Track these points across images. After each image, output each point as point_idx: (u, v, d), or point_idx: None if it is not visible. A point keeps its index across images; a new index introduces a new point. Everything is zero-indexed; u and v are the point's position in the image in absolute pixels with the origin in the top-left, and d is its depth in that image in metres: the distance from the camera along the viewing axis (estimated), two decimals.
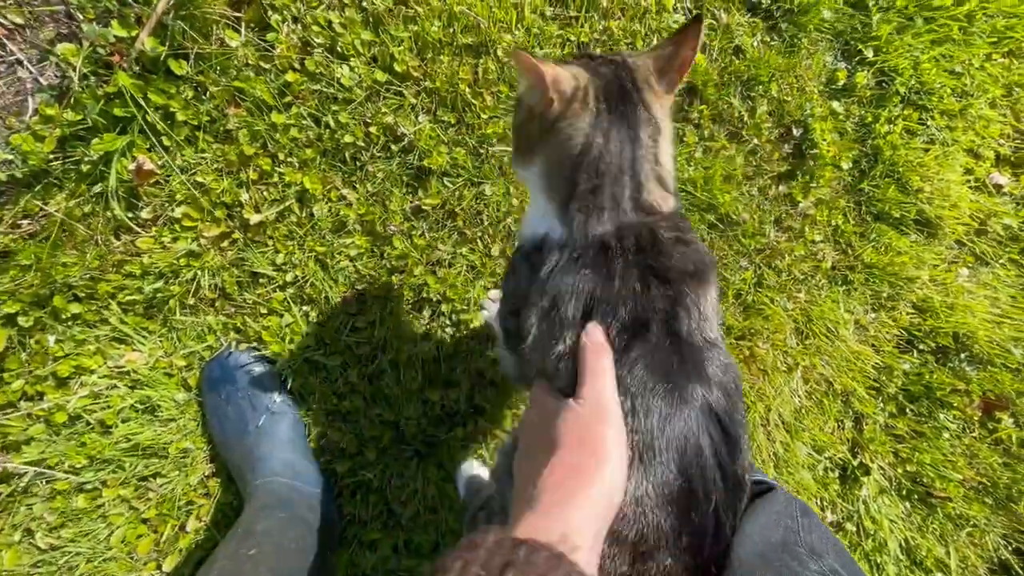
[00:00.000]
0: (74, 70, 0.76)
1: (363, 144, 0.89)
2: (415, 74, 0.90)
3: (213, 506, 0.88)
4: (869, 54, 1.10)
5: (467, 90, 0.91)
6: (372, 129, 0.89)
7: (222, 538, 0.75)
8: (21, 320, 0.79)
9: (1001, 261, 1.22)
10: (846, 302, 1.12)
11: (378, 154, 0.90)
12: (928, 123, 1.15)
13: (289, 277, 0.89)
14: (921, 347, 1.15)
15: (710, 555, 0.45)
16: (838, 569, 0.41)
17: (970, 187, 1.19)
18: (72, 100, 0.78)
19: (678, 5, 1.01)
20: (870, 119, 1.11)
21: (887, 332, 1.14)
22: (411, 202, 0.92)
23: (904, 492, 1.10)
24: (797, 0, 1.04)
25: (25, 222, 0.80)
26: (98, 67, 0.79)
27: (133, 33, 0.79)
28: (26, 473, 0.81)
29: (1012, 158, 1.24)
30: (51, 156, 0.78)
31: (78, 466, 0.82)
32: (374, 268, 0.92)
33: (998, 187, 1.22)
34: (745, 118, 1.04)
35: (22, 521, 0.81)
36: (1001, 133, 1.22)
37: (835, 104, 1.10)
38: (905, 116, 1.13)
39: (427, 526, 0.92)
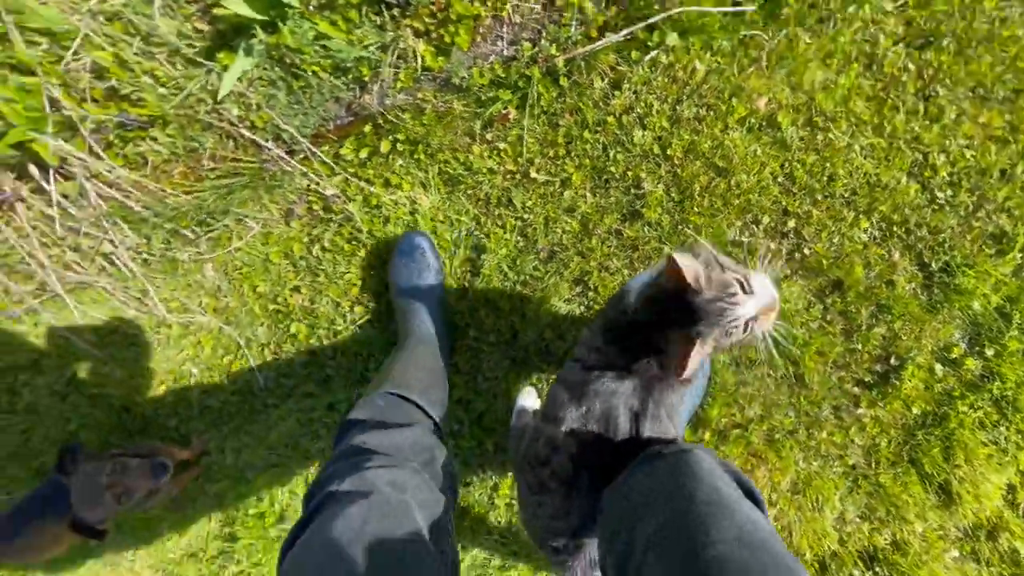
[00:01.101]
0: None
1: None
2: None
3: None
4: (988, 352, 1.35)
5: None
6: None
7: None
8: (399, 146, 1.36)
9: (993, 571, 1.40)
10: (844, 496, 1.38)
11: None
12: (1001, 430, 1.37)
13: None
14: (876, 570, 1.38)
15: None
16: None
17: (1004, 497, 1.39)
18: None
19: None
20: (956, 394, 1.36)
21: (859, 539, 1.39)
22: None
23: None
24: (958, 281, 1.33)
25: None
26: None
27: None
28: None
29: None
30: None
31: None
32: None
33: None
34: (863, 327, 1.35)
35: None
36: None
37: (937, 366, 1.36)
38: (985, 412, 1.36)
39: None
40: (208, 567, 1.50)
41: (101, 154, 1.26)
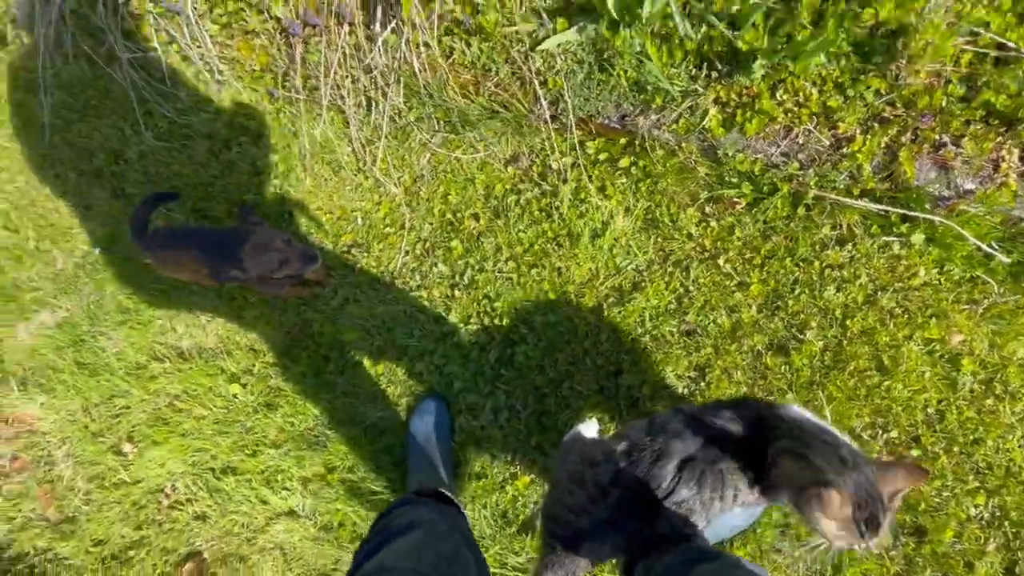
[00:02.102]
0: None
1: None
2: None
3: None
4: None
5: None
6: None
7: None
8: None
9: None
10: None
11: None
12: None
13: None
14: None
15: None
16: None
17: None
18: None
19: None
20: None
21: None
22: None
23: None
24: None
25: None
26: None
27: None
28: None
29: None
30: None
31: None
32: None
33: None
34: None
35: None
36: None
37: None
38: None
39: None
40: (260, 367, 1.66)
41: (426, 29, 1.48)
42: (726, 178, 1.45)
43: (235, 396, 1.67)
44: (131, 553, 1.65)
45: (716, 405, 1.01)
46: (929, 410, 1.33)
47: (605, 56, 1.46)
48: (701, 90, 1.40)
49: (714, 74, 1.39)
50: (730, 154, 1.42)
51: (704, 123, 1.41)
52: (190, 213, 1.77)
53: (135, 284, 1.79)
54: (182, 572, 1.60)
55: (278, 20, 1.60)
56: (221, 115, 1.79)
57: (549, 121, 1.54)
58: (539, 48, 1.48)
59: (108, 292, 1.81)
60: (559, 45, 1.49)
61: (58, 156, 1.88)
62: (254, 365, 1.68)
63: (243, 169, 1.76)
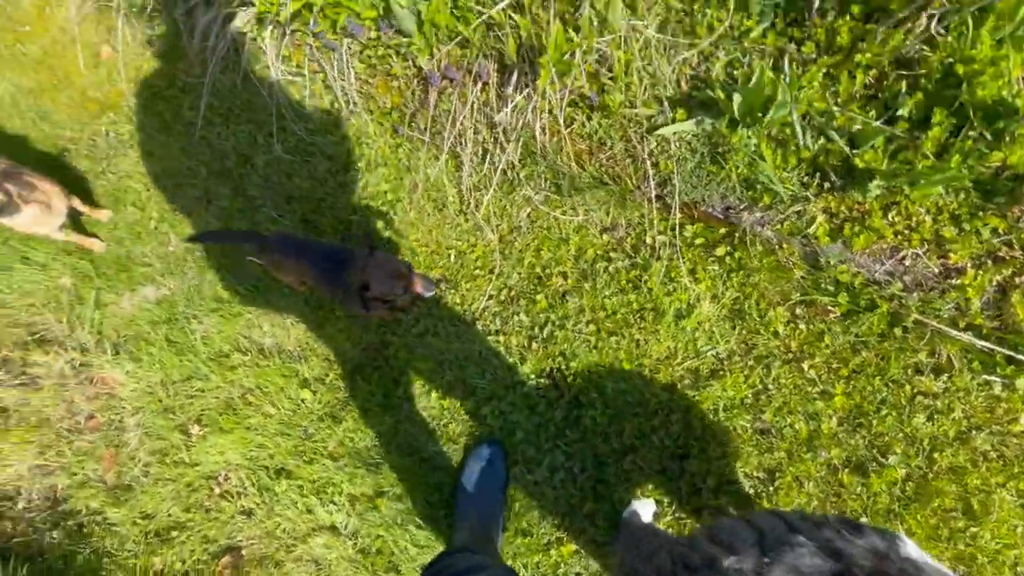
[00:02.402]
0: None
1: None
2: None
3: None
4: None
5: None
6: None
7: None
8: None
9: None
10: None
11: None
12: None
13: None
14: None
15: None
16: None
17: None
18: None
19: None
20: None
21: None
22: None
23: None
24: None
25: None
26: None
27: None
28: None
29: None
30: None
31: None
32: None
33: None
34: None
35: None
36: None
37: None
38: None
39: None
40: (333, 378, 1.73)
41: (555, 99, 1.60)
42: (823, 285, 1.46)
43: (303, 401, 1.73)
44: (174, 534, 1.70)
45: (824, 521, 0.98)
46: (1019, 569, 1.25)
47: (719, 150, 1.53)
48: (811, 198, 1.43)
49: (827, 184, 1.43)
50: (832, 263, 1.44)
51: (810, 229, 1.44)
52: (299, 222, 1.91)
53: (232, 278, 1.92)
54: (219, 564, 1.63)
55: (419, 69, 1.76)
56: (345, 141, 1.95)
57: (653, 200, 1.60)
58: (656, 132, 1.57)
59: (207, 280, 1.95)
60: (675, 133, 1.57)
61: (195, 151, 2.08)
62: (327, 375, 1.75)
63: (355, 192, 1.90)
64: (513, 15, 1.59)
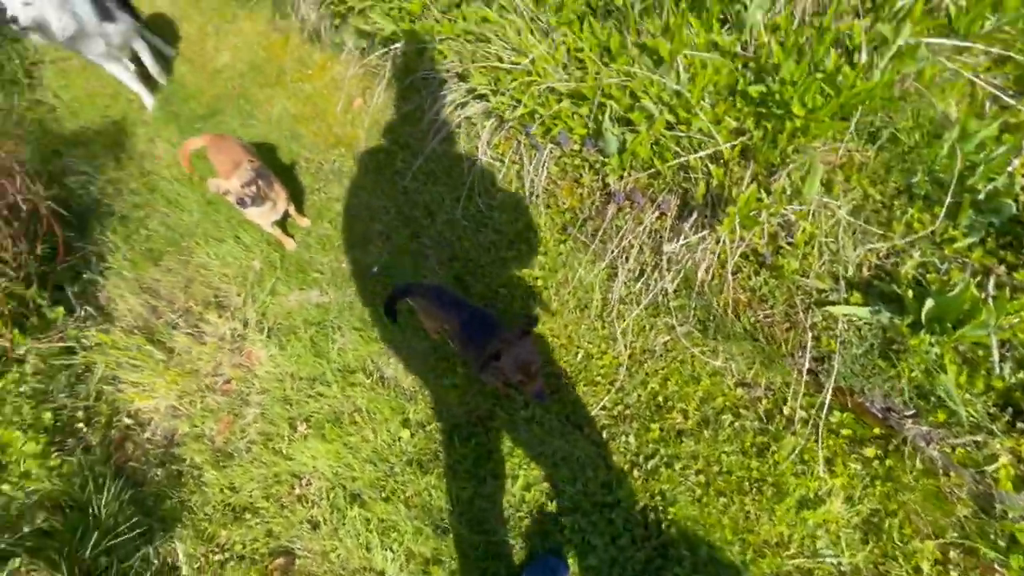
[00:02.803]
0: None
1: None
2: None
3: None
4: None
5: None
6: None
7: None
8: None
9: None
10: None
11: None
12: None
13: None
14: None
15: None
16: None
17: None
18: None
19: None
20: None
21: None
22: None
23: None
24: None
25: None
26: None
27: None
28: None
29: None
30: None
31: None
32: None
33: None
34: None
35: None
36: None
37: None
38: None
39: None
40: (433, 429, 1.81)
41: (728, 245, 1.65)
42: (992, 537, 1.26)
43: (400, 439, 1.81)
44: (247, 515, 1.80)
45: None
46: None
47: (893, 347, 1.45)
48: (998, 433, 1.28)
49: (1020, 424, 1.27)
50: (1010, 515, 1.24)
51: (989, 467, 1.27)
52: (453, 279, 2.11)
53: (379, 306, 2.14)
54: (272, 563, 1.68)
55: (606, 185, 1.95)
56: (517, 223, 2.17)
57: (804, 372, 1.54)
58: (825, 308, 1.54)
59: (360, 302, 2.20)
60: (846, 315, 1.52)
61: (393, 196, 2.44)
62: (429, 423, 1.82)
63: (510, 269, 2.07)
64: (709, 164, 1.73)
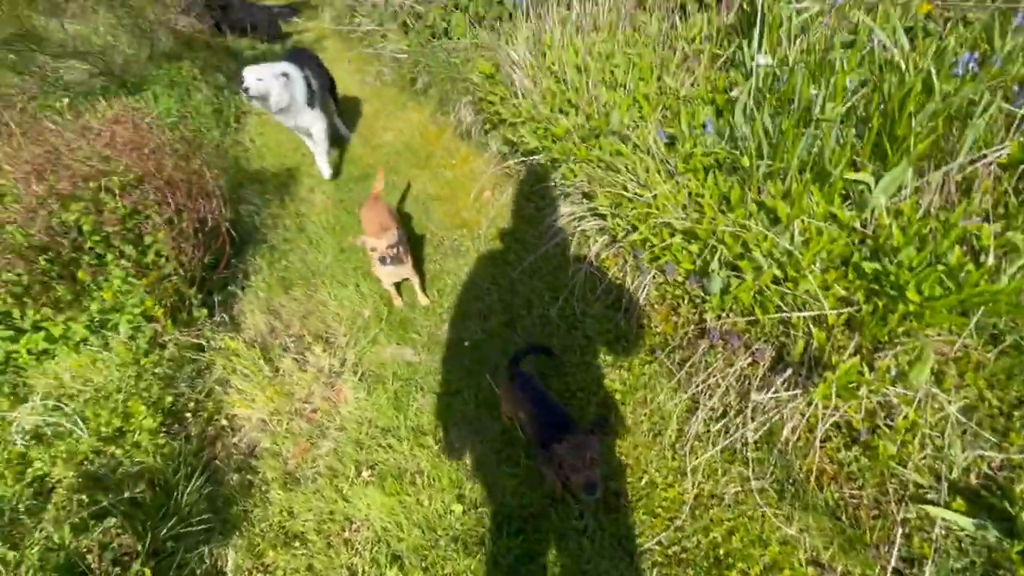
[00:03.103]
0: None
1: None
2: None
3: None
4: None
5: None
6: None
7: None
8: None
9: None
10: None
11: None
12: None
13: None
14: None
15: None
16: None
17: None
18: None
19: None
20: None
21: None
22: None
23: None
24: None
25: None
26: None
27: None
28: None
29: None
30: None
31: None
32: None
33: None
34: None
35: None
36: None
37: None
38: None
39: None
40: (483, 511, 1.84)
41: (822, 412, 1.63)
42: None
43: (451, 512, 1.86)
44: (296, 544, 1.90)
45: None
46: None
47: (999, 572, 1.32)
48: None
49: None
50: None
51: None
52: (536, 371, 2.22)
53: (462, 379, 2.29)
54: None
55: (703, 320, 2.02)
56: (605, 335, 2.27)
57: (889, 571, 1.42)
58: (921, 506, 1.44)
59: (446, 370, 2.36)
60: (946, 521, 1.42)
61: (500, 281, 2.68)
62: (482, 506, 1.86)
63: (592, 374, 2.15)
64: (811, 325, 1.76)
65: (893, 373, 1.61)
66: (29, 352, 2.21)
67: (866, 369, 1.62)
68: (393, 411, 2.23)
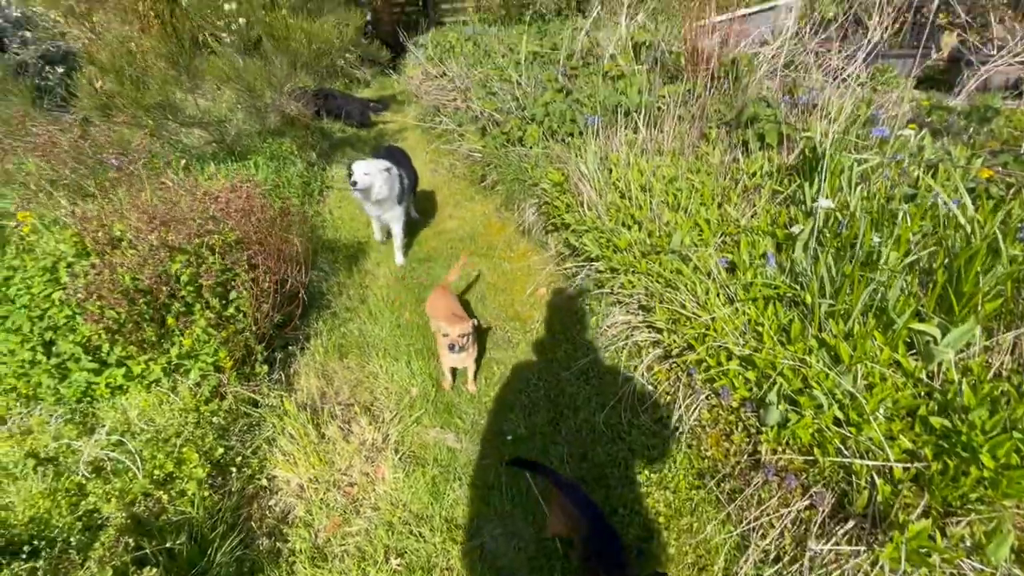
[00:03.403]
0: None
1: None
2: None
3: None
4: None
5: None
6: None
7: None
8: None
9: None
10: None
11: None
12: None
13: None
14: None
15: None
16: None
17: None
18: None
19: None
20: None
21: None
22: None
23: None
24: None
25: None
26: None
27: None
28: None
29: None
30: None
31: None
32: None
33: None
34: None
35: None
36: None
37: None
38: None
39: None
40: None
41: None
42: None
43: None
44: None
45: None
46: None
47: None
48: None
49: None
50: None
51: None
52: (578, 478, 2.18)
53: (501, 473, 2.27)
54: None
55: (756, 451, 1.98)
56: (654, 451, 2.24)
57: None
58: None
59: (488, 459, 2.35)
60: None
61: (549, 378, 2.72)
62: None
63: (635, 491, 2.09)
64: (875, 475, 1.70)
65: (968, 543, 1.51)
66: (107, 385, 2.37)
67: (938, 534, 1.53)
68: (429, 497, 2.21)
